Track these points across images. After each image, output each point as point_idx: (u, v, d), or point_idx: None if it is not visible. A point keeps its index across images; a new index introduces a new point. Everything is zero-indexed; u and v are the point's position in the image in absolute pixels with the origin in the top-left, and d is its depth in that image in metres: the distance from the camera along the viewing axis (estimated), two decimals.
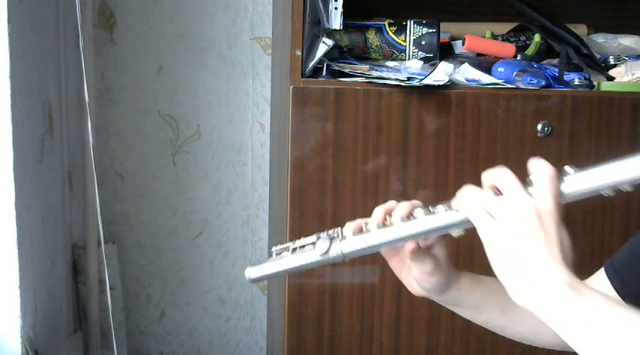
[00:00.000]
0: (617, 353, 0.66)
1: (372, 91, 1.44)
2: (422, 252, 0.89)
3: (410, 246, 0.87)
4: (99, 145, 2.08)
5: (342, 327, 1.49)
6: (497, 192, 0.77)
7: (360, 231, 0.86)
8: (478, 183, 0.80)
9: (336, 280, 1.48)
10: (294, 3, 1.41)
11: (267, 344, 2.18)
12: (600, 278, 0.97)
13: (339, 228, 0.87)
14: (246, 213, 2.19)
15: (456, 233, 0.81)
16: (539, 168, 0.76)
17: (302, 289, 1.48)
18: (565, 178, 0.77)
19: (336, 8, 1.44)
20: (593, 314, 0.68)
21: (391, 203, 0.86)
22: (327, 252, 0.85)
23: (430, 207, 0.83)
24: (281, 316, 1.53)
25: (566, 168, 0.77)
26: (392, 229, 0.84)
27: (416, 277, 0.91)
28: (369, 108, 1.44)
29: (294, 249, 0.88)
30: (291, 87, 1.42)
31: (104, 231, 1.85)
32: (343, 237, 0.86)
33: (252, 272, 0.88)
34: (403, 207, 0.84)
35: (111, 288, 1.90)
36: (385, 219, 0.85)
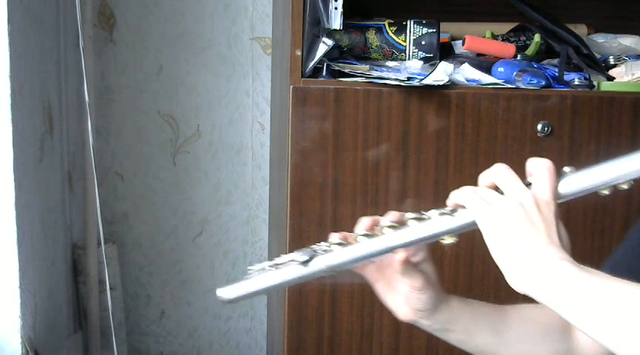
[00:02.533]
0: (622, 326, 0.66)
1: (372, 91, 1.44)
2: (411, 266, 0.84)
3: (399, 260, 0.83)
4: (99, 145, 2.08)
5: (342, 327, 1.49)
6: (495, 188, 0.77)
7: (346, 241, 0.81)
8: (475, 184, 0.80)
9: (336, 280, 1.48)
10: (294, 3, 1.41)
11: (267, 344, 2.18)
12: None
13: (323, 243, 0.82)
14: (246, 213, 2.19)
15: (448, 240, 0.79)
16: (537, 162, 0.77)
17: (302, 289, 1.48)
18: (563, 177, 0.77)
19: (336, 8, 1.44)
20: (594, 288, 0.68)
21: (376, 217, 0.84)
22: (307, 262, 0.79)
23: (422, 213, 0.80)
24: (281, 316, 1.53)
25: (565, 168, 0.78)
26: (381, 238, 0.80)
27: (405, 296, 0.86)
28: (369, 108, 1.44)
29: (273, 266, 0.81)
30: (291, 87, 1.42)
31: (104, 231, 1.85)
32: (328, 250, 0.81)
33: (225, 293, 0.81)
34: (392, 214, 0.82)
35: (111, 288, 1.90)
36: (373, 229, 0.82)
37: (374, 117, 1.44)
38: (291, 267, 0.80)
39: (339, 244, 0.81)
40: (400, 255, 0.82)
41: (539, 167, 0.77)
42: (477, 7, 1.85)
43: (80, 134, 1.96)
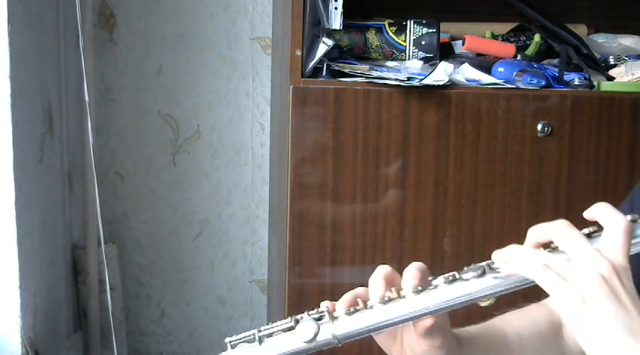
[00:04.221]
0: None
1: (372, 91, 1.44)
2: (432, 328, 0.73)
3: (425, 327, 0.72)
4: (99, 145, 2.08)
5: None
6: (552, 249, 0.68)
7: (355, 307, 0.71)
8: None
9: (336, 280, 1.48)
10: (294, 3, 1.41)
11: None
12: None
13: (324, 308, 0.72)
14: (246, 213, 2.19)
15: (485, 302, 0.69)
16: (612, 217, 0.67)
17: (302, 289, 1.48)
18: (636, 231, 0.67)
19: (336, 8, 1.44)
20: None
21: (385, 269, 0.74)
22: (313, 338, 0.68)
23: (456, 274, 0.69)
24: (281, 316, 1.53)
25: (630, 216, 0.68)
26: (403, 303, 0.69)
27: (419, 353, 0.76)
28: (369, 108, 1.44)
29: (262, 338, 0.69)
30: (291, 87, 1.42)
31: (104, 231, 1.85)
32: (333, 317, 0.70)
33: None
34: (411, 275, 0.71)
35: (111, 288, 1.90)
36: (390, 291, 0.71)
37: (374, 117, 1.44)
38: (288, 340, 0.70)
39: (347, 311, 0.71)
40: (427, 322, 0.71)
41: (615, 224, 0.66)
42: (477, 7, 1.85)
43: (80, 134, 1.96)
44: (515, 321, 0.87)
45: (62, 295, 1.93)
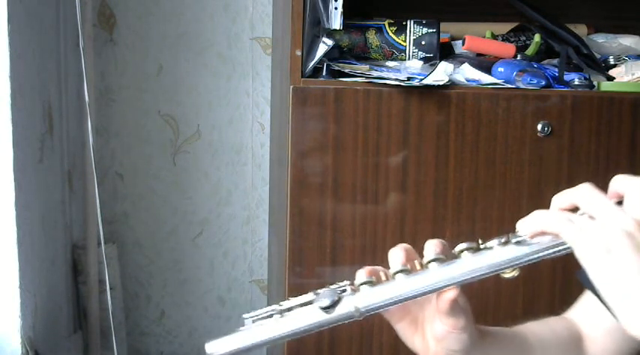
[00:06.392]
0: None
1: (372, 91, 1.44)
2: (457, 304, 0.71)
3: (449, 299, 0.70)
4: (99, 145, 2.08)
5: (342, 327, 1.48)
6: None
7: (377, 279, 0.70)
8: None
9: (336, 280, 1.47)
10: (294, 3, 1.41)
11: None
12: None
13: (346, 281, 0.71)
14: (246, 213, 2.19)
15: (509, 274, 0.67)
16: (630, 181, 0.66)
17: (302, 289, 1.47)
18: None
19: (336, 8, 1.44)
20: None
21: (405, 245, 0.73)
22: (331, 307, 0.67)
23: (480, 243, 0.68)
24: None
25: None
26: (427, 275, 0.68)
27: (441, 337, 0.74)
28: (369, 108, 1.44)
29: (283, 312, 0.68)
30: (291, 87, 1.42)
31: (104, 231, 1.85)
32: (355, 290, 0.69)
33: (215, 348, 0.69)
34: (434, 245, 0.70)
35: (111, 288, 1.90)
36: (411, 263, 0.70)
37: (374, 117, 1.44)
38: (307, 313, 0.68)
39: (369, 283, 0.69)
40: (450, 293, 0.69)
41: (635, 186, 0.65)
42: (477, 7, 1.85)
43: (80, 134, 1.96)
44: (535, 328, 0.86)
45: (62, 295, 1.93)
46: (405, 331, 0.78)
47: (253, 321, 0.68)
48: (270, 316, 0.68)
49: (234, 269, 2.21)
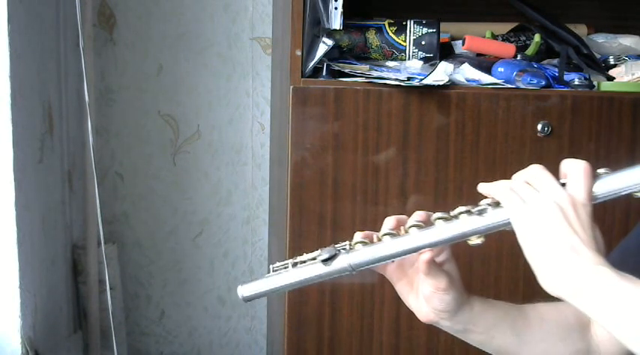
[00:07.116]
0: None
1: (372, 91, 1.44)
2: (436, 266, 0.83)
3: (424, 260, 0.81)
4: (99, 145, 2.08)
5: (342, 327, 1.49)
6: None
7: (370, 240, 0.82)
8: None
9: (335, 280, 1.48)
10: (294, 3, 1.41)
11: (267, 344, 2.18)
12: None
13: (347, 242, 0.83)
14: (246, 213, 2.19)
15: (474, 240, 0.78)
16: (572, 163, 0.77)
17: (302, 289, 1.47)
18: (598, 179, 0.77)
19: (336, 8, 1.44)
20: (632, 295, 0.67)
21: (400, 216, 0.83)
22: (329, 260, 0.80)
23: (449, 212, 0.79)
24: (281, 316, 1.53)
25: (599, 170, 0.78)
26: (407, 238, 0.80)
27: (428, 297, 0.85)
28: (369, 108, 1.44)
29: (295, 264, 0.82)
30: (291, 87, 1.42)
31: (104, 231, 1.85)
32: (351, 248, 0.81)
33: (245, 290, 0.81)
34: (418, 214, 0.81)
35: (111, 288, 1.90)
36: (398, 228, 0.82)
37: (374, 117, 1.44)
38: (312, 266, 0.81)
39: (363, 243, 0.81)
40: (425, 255, 0.81)
41: (575, 168, 0.76)
42: (477, 7, 1.85)
43: (80, 134, 1.96)
44: (542, 308, 0.91)
45: (62, 295, 1.93)
46: (402, 290, 0.88)
47: (274, 270, 0.82)
48: (286, 267, 0.82)
49: (234, 269, 2.21)
